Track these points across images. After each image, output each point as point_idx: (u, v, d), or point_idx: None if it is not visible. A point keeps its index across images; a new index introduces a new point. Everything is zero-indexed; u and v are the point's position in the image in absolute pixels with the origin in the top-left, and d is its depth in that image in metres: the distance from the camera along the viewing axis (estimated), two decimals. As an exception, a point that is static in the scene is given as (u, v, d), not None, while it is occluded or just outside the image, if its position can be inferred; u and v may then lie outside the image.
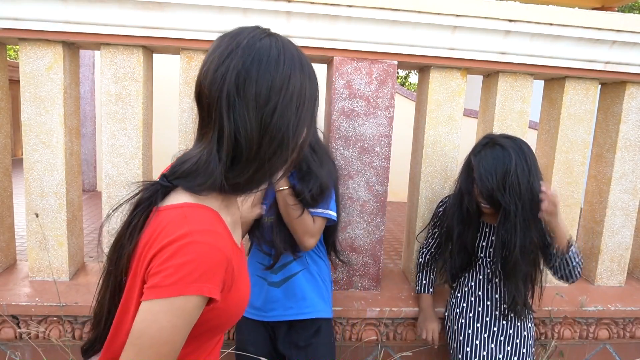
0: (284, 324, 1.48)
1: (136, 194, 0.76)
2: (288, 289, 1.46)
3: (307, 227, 1.36)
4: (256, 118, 0.69)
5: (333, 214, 1.42)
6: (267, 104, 0.69)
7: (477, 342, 1.58)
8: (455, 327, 1.66)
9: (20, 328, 1.66)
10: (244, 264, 0.82)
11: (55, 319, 1.68)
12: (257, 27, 0.74)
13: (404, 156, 2.96)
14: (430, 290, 1.76)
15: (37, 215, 1.72)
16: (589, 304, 1.91)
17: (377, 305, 1.80)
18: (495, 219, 1.55)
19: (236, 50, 0.69)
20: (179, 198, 0.73)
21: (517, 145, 1.46)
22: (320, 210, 1.38)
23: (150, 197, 0.74)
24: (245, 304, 0.82)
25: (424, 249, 1.79)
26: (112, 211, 0.78)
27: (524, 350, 1.56)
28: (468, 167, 1.55)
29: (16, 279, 1.81)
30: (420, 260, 1.79)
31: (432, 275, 1.77)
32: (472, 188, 1.52)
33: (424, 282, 1.77)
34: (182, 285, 0.65)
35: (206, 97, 0.71)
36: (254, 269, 1.49)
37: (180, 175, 0.73)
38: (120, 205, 0.76)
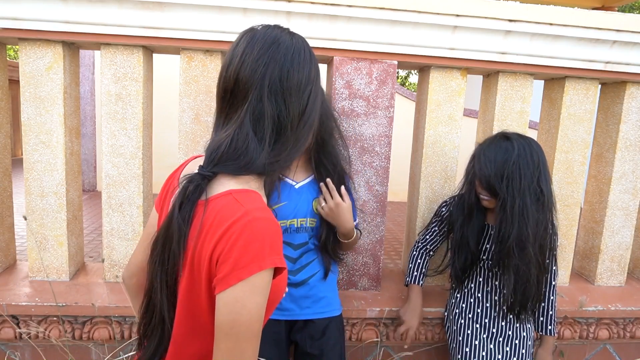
0: (300, 320, 1.50)
1: (186, 188, 0.77)
2: (306, 289, 1.48)
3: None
4: (298, 104, 0.79)
5: (355, 222, 1.56)
6: (304, 92, 0.80)
7: (477, 342, 1.58)
8: (455, 328, 1.66)
9: (20, 328, 1.66)
10: None
11: (55, 319, 1.68)
12: (278, 25, 0.83)
13: (404, 156, 2.96)
14: (421, 282, 1.73)
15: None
16: (589, 304, 1.91)
17: (377, 305, 1.80)
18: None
19: (273, 45, 0.78)
20: (223, 186, 0.77)
21: (525, 140, 1.46)
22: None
23: (195, 190, 0.76)
24: (287, 279, 0.84)
25: (419, 243, 1.78)
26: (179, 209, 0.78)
27: (524, 351, 1.56)
28: (473, 158, 1.56)
29: (16, 279, 1.81)
30: (414, 252, 1.77)
31: (424, 268, 1.75)
32: (474, 179, 1.53)
33: (416, 273, 1.74)
34: (258, 262, 0.68)
35: (244, 83, 0.77)
36: None
37: (219, 161, 0.77)
38: (186, 197, 0.75)
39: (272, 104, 0.76)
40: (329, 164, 1.43)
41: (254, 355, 0.71)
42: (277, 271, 0.73)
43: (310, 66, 0.81)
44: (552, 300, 1.61)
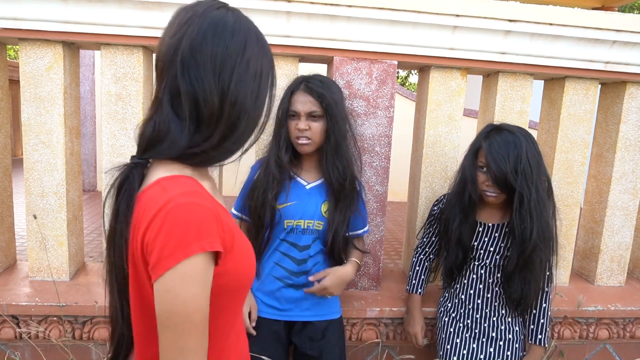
0: (299, 321, 1.50)
1: (115, 180, 0.75)
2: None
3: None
4: (214, 80, 0.71)
5: (367, 228, 1.62)
6: (223, 68, 0.71)
7: (458, 340, 1.59)
8: (440, 325, 1.67)
9: (20, 328, 1.66)
10: (236, 225, 0.81)
11: (55, 319, 1.68)
12: (214, 0, 0.76)
13: (404, 156, 2.96)
14: (419, 291, 1.73)
15: (35, 217, 1.72)
16: (589, 304, 1.91)
17: (377, 305, 1.80)
18: (492, 217, 1.55)
19: (192, 18, 0.72)
20: (154, 175, 0.74)
21: (523, 130, 1.47)
22: (360, 231, 1.58)
23: (127, 179, 0.73)
24: (253, 263, 0.81)
25: (419, 248, 1.77)
26: (105, 202, 0.78)
27: (509, 353, 1.55)
28: (473, 154, 1.52)
29: (16, 279, 1.81)
30: (414, 259, 1.77)
31: (424, 275, 1.74)
32: (476, 175, 1.49)
33: (414, 282, 1.74)
34: (183, 248, 0.64)
35: (161, 61, 0.73)
36: (271, 270, 1.48)
37: (147, 147, 0.74)
38: (108, 193, 0.75)
39: (186, 81, 0.71)
40: (340, 166, 1.41)
41: (197, 348, 0.67)
42: (218, 258, 0.70)
43: (231, 39, 0.72)
44: (545, 308, 1.55)
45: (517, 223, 1.44)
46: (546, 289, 1.55)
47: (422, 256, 1.76)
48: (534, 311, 1.56)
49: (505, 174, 1.40)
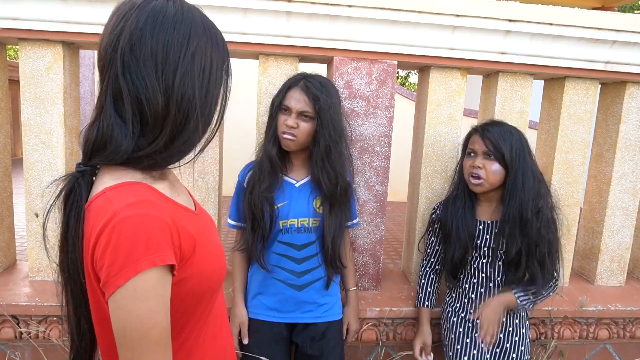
0: (301, 323, 1.51)
1: (61, 191, 0.70)
2: (309, 292, 1.48)
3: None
4: (157, 78, 0.67)
5: (356, 220, 1.64)
6: (166, 63, 0.67)
7: (468, 340, 1.59)
8: (448, 325, 1.67)
9: (20, 328, 1.66)
10: (203, 225, 0.77)
11: (55, 319, 1.68)
12: None
13: (404, 156, 2.96)
14: (427, 304, 1.71)
15: (37, 215, 1.72)
16: (589, 304, 1.91)
17: (377, 305, 1.80)
18: (491, 214, 1.57)
19: (130, 11, 0.67)
20: (101, 184, 0.69)
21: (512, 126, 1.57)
22: (349, 223, 1.58)
23: (72, 189, 0.69)
24: (222, 262, 0.78)
25: (424, 261, 1.76)
26: (47, 213, 0.74)
27: (514, 355, 1.56)
28: (463, 148, 1.61)
29: (16, 279, 1.81)
30: (420, 273, 1.76)
31: (430, 288, 1.72)
32: (463, 163, 1.58)
33: (421, 295, 1.72)
34: (132, 265, 0.61)
35: (101, 60, 0.68)
36: (273, 273, 1.47)
37: (92, 153, 0.70)
38: (53, 203, 0.71)
39: (128, 80, 0.66)
40: (331, 172, 1.40)
41: None
42: (174, 266, 0.66)
43: (173, 31, 0.67)
44: (543, 288, 1.53)
45: (514, 208, 1.48)
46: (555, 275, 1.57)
47: (427, 268, 1.74)
48: (536, 285, 1.53)
49: (503, 151, 1.46)
